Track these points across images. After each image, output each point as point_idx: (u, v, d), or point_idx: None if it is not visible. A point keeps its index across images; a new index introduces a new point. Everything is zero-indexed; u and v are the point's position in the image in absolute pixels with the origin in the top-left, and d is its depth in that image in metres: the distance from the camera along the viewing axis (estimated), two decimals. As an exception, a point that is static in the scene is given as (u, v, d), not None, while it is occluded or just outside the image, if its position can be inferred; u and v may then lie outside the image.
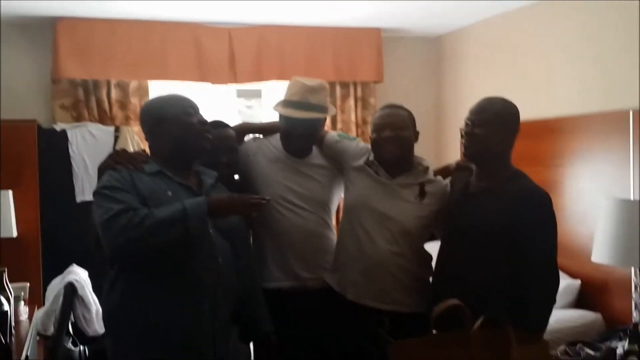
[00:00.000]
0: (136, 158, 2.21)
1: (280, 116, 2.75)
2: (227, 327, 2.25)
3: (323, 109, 2.73)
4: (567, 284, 3.74)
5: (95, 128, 4.23)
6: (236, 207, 2.16)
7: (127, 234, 1.99)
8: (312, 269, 2.72)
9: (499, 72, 4.65)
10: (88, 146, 4.13)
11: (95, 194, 2.13)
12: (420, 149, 2.68)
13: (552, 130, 4.10)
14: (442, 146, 5.15)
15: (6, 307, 2.27)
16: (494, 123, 2.32)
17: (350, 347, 2.52)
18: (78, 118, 4.33)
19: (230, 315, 2.27)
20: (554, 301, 2.24)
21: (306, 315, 2.67)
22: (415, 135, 2.59)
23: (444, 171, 2.73)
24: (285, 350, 2.48)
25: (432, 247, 2.61)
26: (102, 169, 2.20)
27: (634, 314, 3.16)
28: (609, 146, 3.65)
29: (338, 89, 4.95)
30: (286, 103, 2.72)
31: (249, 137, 2.91)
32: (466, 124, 2.38)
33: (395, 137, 2.51)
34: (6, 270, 2.61)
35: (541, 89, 4.24)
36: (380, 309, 2.47)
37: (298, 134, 2.70)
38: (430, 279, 2.58)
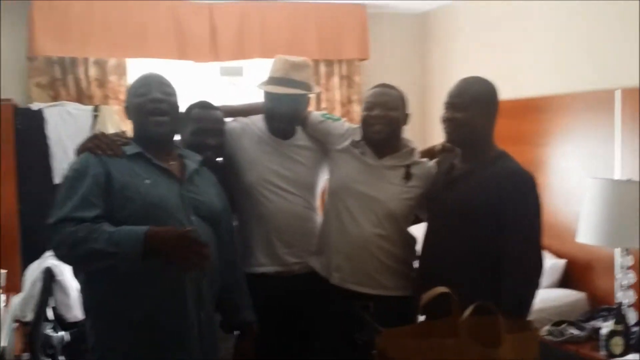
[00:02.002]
0: (115, 142, 2.14)
1: (265, 94, 2.70)
2: (212, 316, 2.20)
3: (307, 86, 2.68)
4: (552, 264, 3.75)
5: (73, 107, 4.12)
6: (177, 252, 1.92)
7: (62, 252, 1.97)
8: (297, 253, 2.68)
9: (485, 49, 4.60)
10: (66, 126, 4.02)
11: (62, 179, 2.08)
12: (406, 128, 2.63)
13: (537, 109, 4.07)
14: (428, 126, 5.11)
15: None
16: (474, 106, 2.28)
17: (336, 332, 2.50)
18: (55, 97, 4.23)
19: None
20: (536, 285, 2.20)
21: (292, 300, 2.63)
22: (405, 117, 2.55)
23: (429, 153, 2.70)
24: (269, 336, 2.45)
25: (418, 230, 2.58)
26: (80, 151, 2.14)
27: (618, 293, 3.16)
28: (594, 125, 3.64)
29: (322, 67, 4.89)
30: (270, 80, 2.68)
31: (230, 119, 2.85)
32: (446, 109, 2.33)
33: (384, 116, 2.47)
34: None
35: (527, 67, 4.21)
36: (365, 293, 2.44)
37: (281, 112, 2.65)
38: (415, 263, 2.56)
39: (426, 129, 5.09)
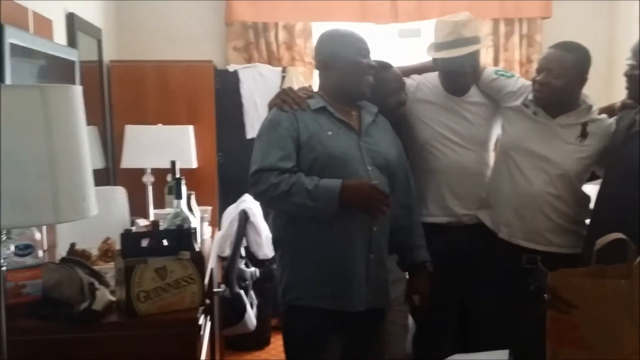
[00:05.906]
0: (301, 97, 2.33)
1: (437, 59, 2.73)
2: (382, 258, 2.36)
3: (478, 39, 2.70)
4: None
5: (264, 69, 4.47)
6: (367, 204, 2.20)
7: (265, 199, 2.24)
8: (468, 206, 2.76)
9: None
10: (258, 86, 4.38)
11: (258, 131, 2.33)
12: (590, 89, 2.57)
13: None
14: (613, 87, 4.84)
15: (194, 224, 2.54)
16: None
17: (505, 280, 2.55)
18: (249, 59, 4.60)
19: (389, 246, 2.38)
20: None
21: (461, 249, 2.71)
22: (579, 81, 2.48)
23: (609, 110, 2.63)
24: (438, 280, 2.52)
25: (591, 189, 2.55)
26: (270, 106, 2.37)
27: None
28: None
29: (502, 26, 4.79)
30: (443, 45, 2.68)
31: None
32: (629, 66, 2.27)
33: (547, 83, 2.45)
34: (194, 193, 2.90)
35: None
36: (532, 249, 2.47)
37: (462, 72, 2.69)
38: (588, 221, 2.53)
39: (611, 90, 4.82)
